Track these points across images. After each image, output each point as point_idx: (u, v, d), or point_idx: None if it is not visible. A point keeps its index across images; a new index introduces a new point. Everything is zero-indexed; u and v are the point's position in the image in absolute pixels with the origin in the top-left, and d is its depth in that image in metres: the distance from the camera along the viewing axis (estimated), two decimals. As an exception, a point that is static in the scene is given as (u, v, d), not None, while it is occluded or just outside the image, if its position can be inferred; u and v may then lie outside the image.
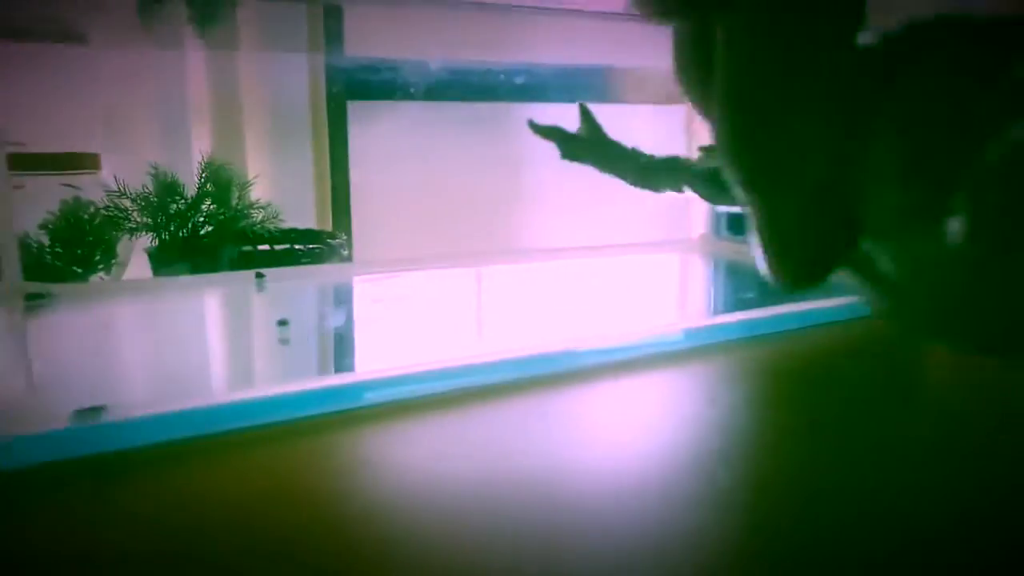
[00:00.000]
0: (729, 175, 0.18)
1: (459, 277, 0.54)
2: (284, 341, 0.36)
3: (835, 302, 0.44)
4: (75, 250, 0.66)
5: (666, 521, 0.21)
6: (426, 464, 0.24)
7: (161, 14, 0.52)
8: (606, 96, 0.61)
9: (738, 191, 0.18)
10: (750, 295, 0.49)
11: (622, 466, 0.25)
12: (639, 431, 0.28)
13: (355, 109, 0.64)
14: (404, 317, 0.43)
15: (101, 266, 0.68)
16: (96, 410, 0.24)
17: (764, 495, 0.23)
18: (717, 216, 0.64)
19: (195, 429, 0.26)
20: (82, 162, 0.74)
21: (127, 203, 0.65)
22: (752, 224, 0.18)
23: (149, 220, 0.67)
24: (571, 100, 0.59)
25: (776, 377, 0.35)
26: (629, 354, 0.36)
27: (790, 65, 0.17)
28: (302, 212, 0.65)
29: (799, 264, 0.18)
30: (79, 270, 0.67)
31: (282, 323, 0.38)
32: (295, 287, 0.50)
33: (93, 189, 0.68)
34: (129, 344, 0.39)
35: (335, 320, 0.43)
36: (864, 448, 0.27)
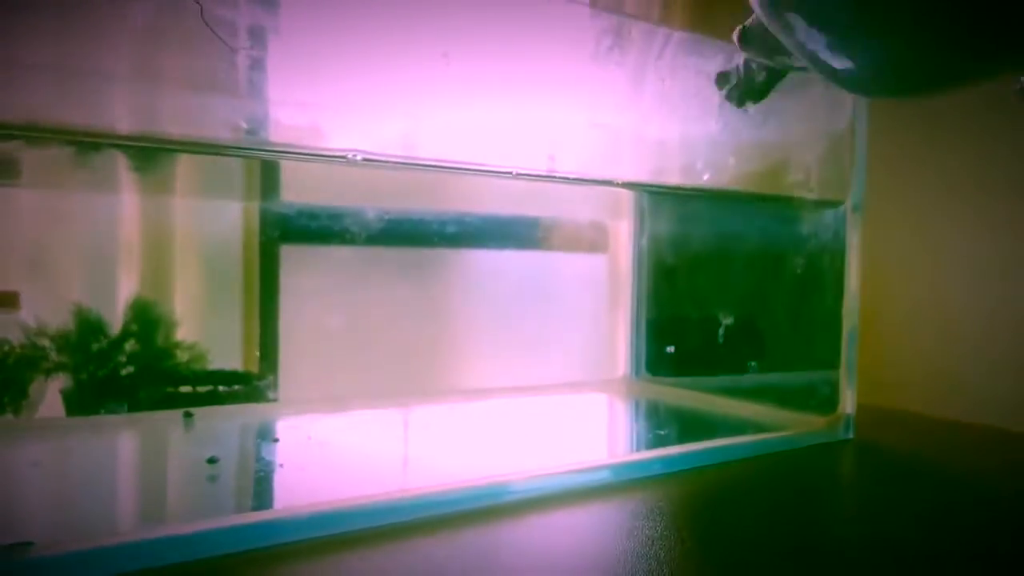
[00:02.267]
0: None
1: (387, 417, 0.54)
2: (212, 478, 0.36)
3: (749, 439, 0.47)
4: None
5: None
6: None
7: (98, 159, 0.54)
8: (532, 244, 0.65)
9: None
10: (667, 432, 0.52)
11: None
12: (567, 563, 0.29)
13: (288, 252, 0.65)
14: (331, 455, 0.43)
15: (10, 407, 0.66)
16: (22, 546, 0.24)
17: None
18: (637, 357, 0.67)
19: (123, 565, 0.25)
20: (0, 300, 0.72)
21: (45, 342, 0.64)
22: None
23: (67, 360, 0.65)
24: (500, 247, 0.63)
25: (694, 508, 0.37)
26: (556, 489, 0.37)
27: None
28: (230, 353, 0.65)
29: None
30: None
31: (211, 460, 0.38)
32: (219, 427, 0.50)
33: (10, 328, 0.67)
34: (49, 482, 0.38)
35: (259, 458, 0.43)
36: (777, 572, 0.28)
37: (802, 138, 0.52)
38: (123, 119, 0.39)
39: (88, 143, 0.50)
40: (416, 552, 0.30)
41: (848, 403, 0.52)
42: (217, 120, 0.41)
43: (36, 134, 0.44)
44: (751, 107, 0.40)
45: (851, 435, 0.52)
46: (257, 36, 0.39)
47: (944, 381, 0.76)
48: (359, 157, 0.38)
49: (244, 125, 0.42)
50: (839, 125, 0.52)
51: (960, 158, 0.75)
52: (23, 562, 0.23)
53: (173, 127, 0.39)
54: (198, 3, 0.34)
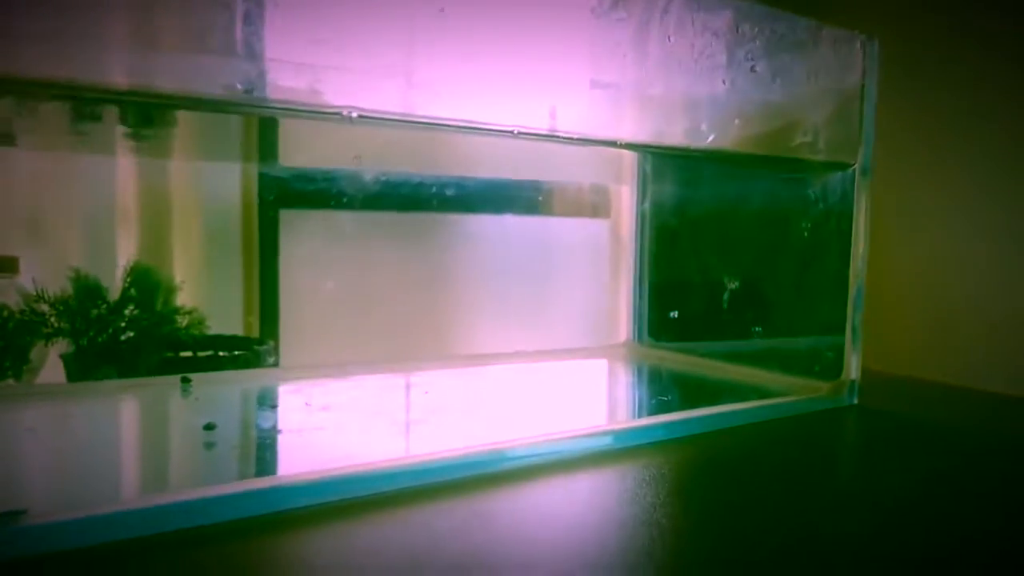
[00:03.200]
0: None
1: (388, 382, 0.54)
2: (209, 445, 0.36)
3: (752, 405, 0.46)
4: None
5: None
6: (356, 564, 0.24)
7: (95, 120, 0.53)
8: (534, 209, 0.64)
9: None
10: (670, 398, 0.51)
11: (555, 561, 0.25)
12: (570, 528, 0.29)
13: (287, 217, 0.65)
14: (331, 421, 0.43)
15: (10, 372, 0.65)
16: (15, 514, 0.23)
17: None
18: (640, 323, 0.67)
19: (119, 533, 0.25)
20: (-1, 265, 0.72)
21: (45, 308, 0.63)
22: None
23: (67, 325, 0.65)
24: (499, 212, 0.62)
25: (696, 474, 0.37)
26: (558, 455, 0.37)
27: None
28: (230, 318, 0.64)
29: None
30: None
31: (208, 427, 0.37)
32: (219, 392, 0.49)
33: (9, 293, 0.66)
34: (44, 449, 0.38)
35: (259, 424, 0.43)
36: (781, 537, 0.28)
37: (810, 99, 0.50)
38: (120, 75, 0.38)
39: (86, 101, 0.49)
40: (417, 518, 0.29)
41: (853, 369, 0.52)
42: (212, 79, 0.40)
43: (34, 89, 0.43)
44: None
45: (855, 401, 0.52)
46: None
47: (949, 347, 0.76)
48: (355, 115, 0.37)
49: (239, 86, 0.41)
50: (848, 85, 0.51)
51: (972, 123, 0.74)
52: (16, 530, 0.23)
53: (169, 83, 0.38)
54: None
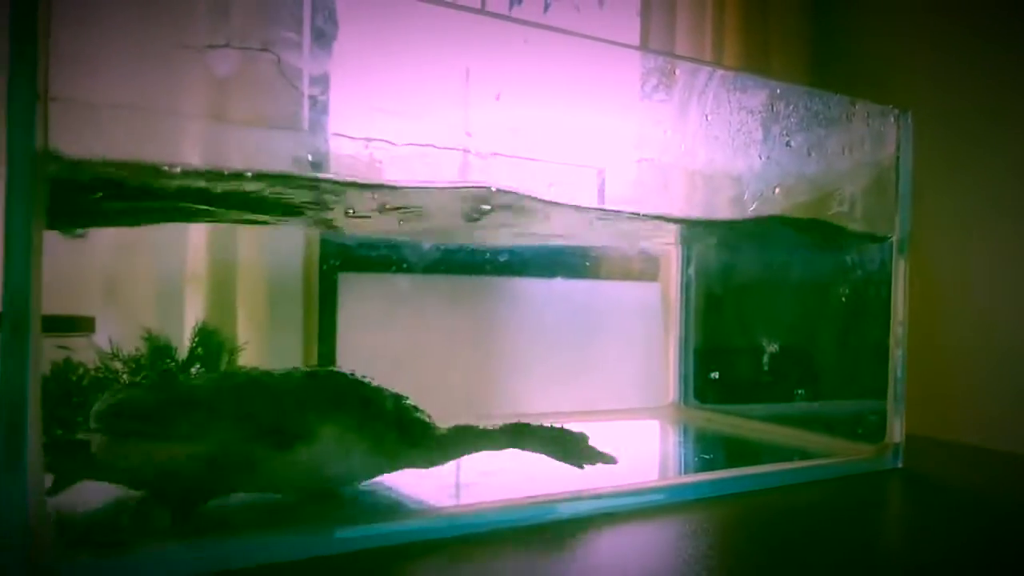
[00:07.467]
0: None
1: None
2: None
3: (795, 465, 0.47)
4: (59, 412, 0.67)
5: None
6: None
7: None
8: (583, 273, 0.66)
9: None
10: (714, 456, 0.52)
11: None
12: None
13: (346, 280, 0.68)
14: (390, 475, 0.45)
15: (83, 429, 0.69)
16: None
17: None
18: (685, 385, 0.68)
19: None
20: (77, 324, 0.76)
21: (118, 365, 0.67)
22: None
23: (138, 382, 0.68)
24: (551, 276, 0.64)
25: (740, 530, 0.38)
26: (608, 509, 0.38)
27: None
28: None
29: None
30: (59, 432, 0.67)
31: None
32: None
33: (86, 351, 0.70)
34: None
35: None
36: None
37: (845, 171, 0.52)
38: (196, 153, 0.42)
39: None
40: (468, 568, 0.31)
41: (896, 432, 0.53)
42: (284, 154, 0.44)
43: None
44: None
45: (899, 464, 0.52)
46: (321, 83, 0.41)
47: (995, 413, 0.75)
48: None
49: (309, 158, 0.45)
50: (884, 158, 0.53)
51: (1017, 190, 0.75)
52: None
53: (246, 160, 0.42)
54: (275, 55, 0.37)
